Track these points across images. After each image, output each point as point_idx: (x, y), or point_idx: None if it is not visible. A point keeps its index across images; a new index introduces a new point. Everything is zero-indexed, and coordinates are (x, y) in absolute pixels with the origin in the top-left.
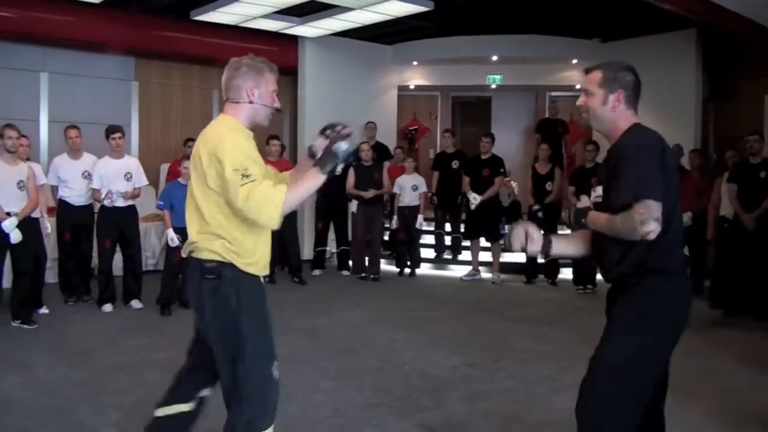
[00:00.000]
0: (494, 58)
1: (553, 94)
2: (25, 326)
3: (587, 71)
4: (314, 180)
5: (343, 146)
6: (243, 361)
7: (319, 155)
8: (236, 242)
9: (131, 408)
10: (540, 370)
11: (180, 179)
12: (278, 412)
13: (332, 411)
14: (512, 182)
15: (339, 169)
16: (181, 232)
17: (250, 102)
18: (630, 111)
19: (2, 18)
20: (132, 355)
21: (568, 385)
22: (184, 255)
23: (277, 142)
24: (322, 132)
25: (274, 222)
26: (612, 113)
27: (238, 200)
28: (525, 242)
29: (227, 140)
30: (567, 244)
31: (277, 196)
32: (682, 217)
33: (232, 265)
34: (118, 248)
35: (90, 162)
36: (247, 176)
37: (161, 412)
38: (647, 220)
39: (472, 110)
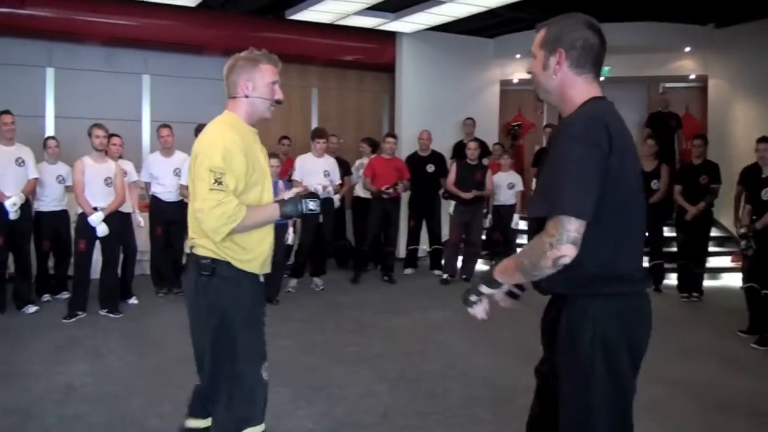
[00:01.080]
0: None
1: (667, 85)
2: (111, 315)
3: (537, 29)
4: (271, 213)
5: (310, 204)
6: (235, 358)
7: (287, 197)
8: (229, 239)
9: (183, 400)
10: None
11: None
12: (326, 413)
13: (380, 416)
14: None
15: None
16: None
17: (246, 96)
18: (581, 77)
19: (109, 25)
20: None
21: (637, 405)
22: (187, 251)
23: (393, 140)
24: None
25: (218, 237)
26: (554, 80)
27: (202, 202)
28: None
29: (216, 138)
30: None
31: (238, 215)
32: (641, 225)
33: (227, 263)
34: None
35: (181, 159)
36: (219, 183)
37: (193, 424)
38: (558, 243)
39: None
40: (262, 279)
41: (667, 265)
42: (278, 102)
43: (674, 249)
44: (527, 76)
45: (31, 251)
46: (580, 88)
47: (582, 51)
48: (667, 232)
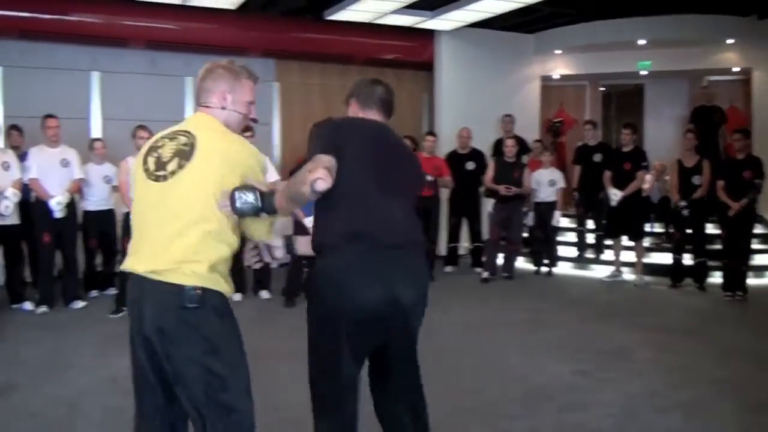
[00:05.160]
0: (641, 42)
1: (711, 78)
2: None
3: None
4: None
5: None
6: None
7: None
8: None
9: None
10: (653, 384)
11: None
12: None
13: None
14: (666, 177)
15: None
16: None
17: (222, 108)
18: (364, 112)
19: (151, 29)
20: None
21: (675, 404)
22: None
23: (432, 138)
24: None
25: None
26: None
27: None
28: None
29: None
30: None
31: None
32: (357, 192)
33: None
34: None
35: None
36: None
37: None
38: (315, 168)
39: (624, 100)
40: None
41: (711, 263)
42: (254, 120)
43: (718, 247)
44: (569, 72)
45: (78, 249)
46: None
47: (367, 95)
48: (711, 229)
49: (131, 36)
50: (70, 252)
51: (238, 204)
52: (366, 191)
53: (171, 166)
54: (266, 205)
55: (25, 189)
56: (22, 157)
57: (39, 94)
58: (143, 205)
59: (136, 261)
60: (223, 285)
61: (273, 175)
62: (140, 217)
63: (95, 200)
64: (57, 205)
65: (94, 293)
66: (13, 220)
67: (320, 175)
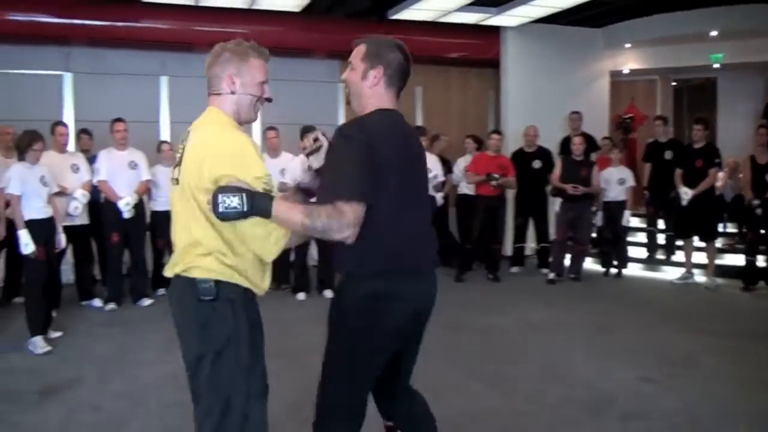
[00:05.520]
0: (713, 33)
1: None
2: None
3: (356, 44)
4: None
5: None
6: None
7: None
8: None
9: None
10: (719, 392)
11: None
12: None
13: (470, 416)
14: (740, 174)
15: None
16: None
17: (232, 93)
18: (388, 92)
19: (218, 33)
20: None
21: (743, 414)
22: None
23: (498, 136)
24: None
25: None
26: (369, 90)
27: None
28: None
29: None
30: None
31: None
32: (409, 215)
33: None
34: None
35: (287, 159)
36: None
37: None
38: (351, 224)
39: (696, 94)
40: None
41: None
42: (268, 100)
43: None
44: (639, 66)
45: (146, 248)
46: (380, 99)
47: (394, 71)
48: None
49: (199, 40)
50: (138, 251)
51: (220, 209)
52: (399, 216)
53: (177, 171)
54: (256, 209)
55: (94, 190)
56: (91, 159)
57: (109, 99)
58: (173, 209)
59: (168, 266)
60: (238, 278)
61: None
62: (172, 220)
63: (163, 201)
64: (125, 206)
65: (161, 291)
66: (83, 220)
67: (352, 234)
